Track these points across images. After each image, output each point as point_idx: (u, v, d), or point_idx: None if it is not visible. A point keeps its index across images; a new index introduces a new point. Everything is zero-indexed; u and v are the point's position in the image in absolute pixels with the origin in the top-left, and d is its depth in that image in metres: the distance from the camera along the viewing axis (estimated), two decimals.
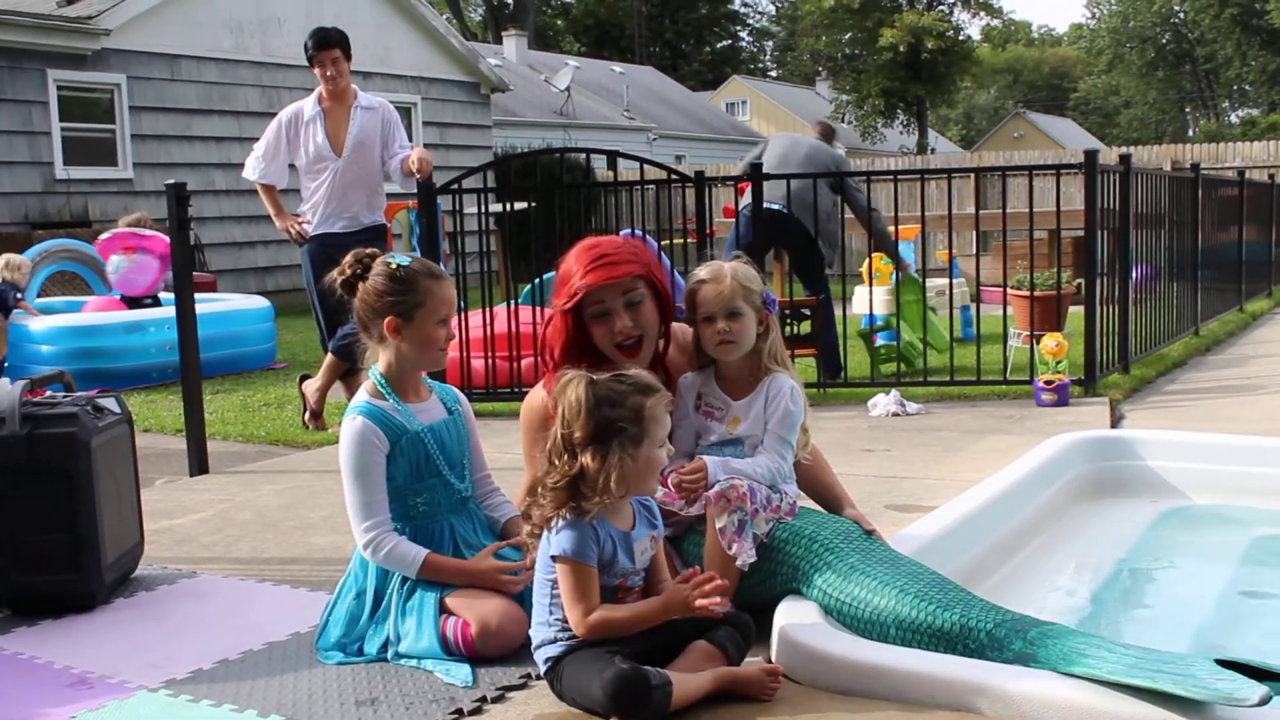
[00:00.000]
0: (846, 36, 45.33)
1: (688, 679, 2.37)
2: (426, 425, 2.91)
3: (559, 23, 53.47)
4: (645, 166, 6.67)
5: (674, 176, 6.71)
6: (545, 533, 2.50)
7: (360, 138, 6.17)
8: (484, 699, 2.52)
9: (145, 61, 14.13)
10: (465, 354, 6.50)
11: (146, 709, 2.56)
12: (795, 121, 40.70)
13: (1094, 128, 63.68)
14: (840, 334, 6.82)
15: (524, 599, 2.73)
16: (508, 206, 10.38)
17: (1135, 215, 6.97)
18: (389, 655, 2.76)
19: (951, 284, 9.63)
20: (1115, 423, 5.65)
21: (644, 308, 2.95)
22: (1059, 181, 6.68)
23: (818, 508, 3.10)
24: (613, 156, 6.90)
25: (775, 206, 6.85)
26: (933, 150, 41.98)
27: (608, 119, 29.39)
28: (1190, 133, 60.26)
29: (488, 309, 6.63)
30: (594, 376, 2.48)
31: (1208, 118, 60.28)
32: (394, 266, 2.89)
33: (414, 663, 2.73)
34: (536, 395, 3.07)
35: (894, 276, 7.50)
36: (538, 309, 5.97)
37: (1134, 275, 7.11)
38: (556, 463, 2.46)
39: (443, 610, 2.76)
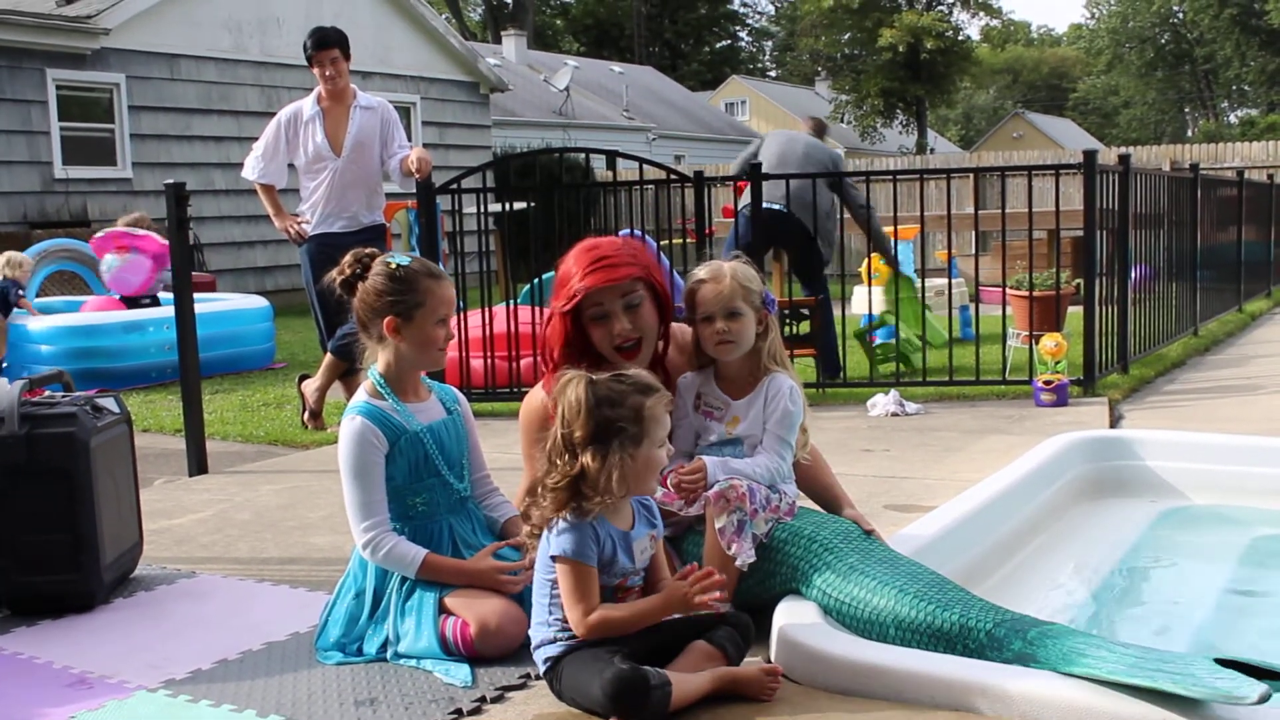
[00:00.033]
0: (846, 36, 45.35)
1: (687, 679, 2.37)
2: (425, 425, 2.91)
3: (558, 22, 53.47)
4: (644, 166, 6.67)
5: (673, 176, 6.71)
6: (545, 533, 2.50)
7: (359, 137, 6.17)
8: (483, 699, 2.52)
9: (144, 61, 14.12)
10: (464, 354, 6.49)
11: (145, 709, 2.56)
12: (795, 122, 40.54)
13: (1093, 128, 63.70)
14: (839, 334, 6.83)
15: (523, 599, 2.73)
16: (507, 206, 10.38)
17: (1134, 215, 6.97)
18: (388, 655, 2.76)
19: (950, 284, 9.63)
20: (1114, 423, 5.65)
21: (643, 310, 2.95)
22: (1058, 182, 6.68)
23: (817, 508, 3.10)
24: (612, 156, 6.90)
25: (775, 206, 6.84)
26: (932, 150, 41.96)
27: (607, 119, 29.39)
28: (1189, 133, 60.28)
29: (487, 309, 6.63)
30: (594, 376, 2.48)
31: (1207, 118, 60.30)
32: (393, 266, 2.89)
33: (413, 663, 2.73)
34: (535, 396, 3.07)
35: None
36: (537, 309, 5.97)
37: (1133, 275, 7.11)
38: (557, 463, 2.46)
39: (442, 610, 2.76)
